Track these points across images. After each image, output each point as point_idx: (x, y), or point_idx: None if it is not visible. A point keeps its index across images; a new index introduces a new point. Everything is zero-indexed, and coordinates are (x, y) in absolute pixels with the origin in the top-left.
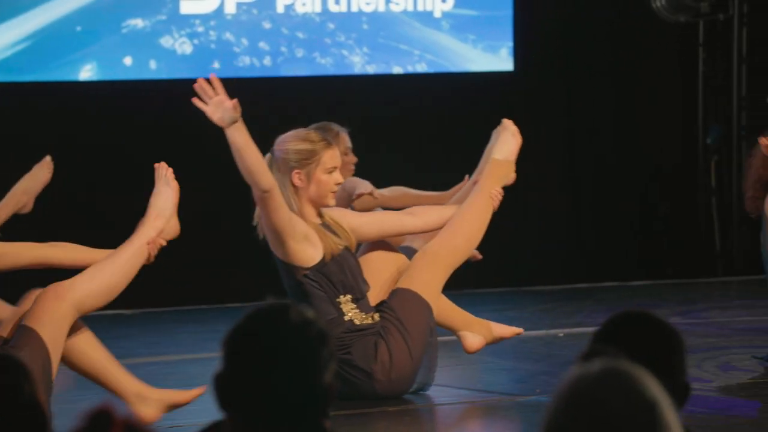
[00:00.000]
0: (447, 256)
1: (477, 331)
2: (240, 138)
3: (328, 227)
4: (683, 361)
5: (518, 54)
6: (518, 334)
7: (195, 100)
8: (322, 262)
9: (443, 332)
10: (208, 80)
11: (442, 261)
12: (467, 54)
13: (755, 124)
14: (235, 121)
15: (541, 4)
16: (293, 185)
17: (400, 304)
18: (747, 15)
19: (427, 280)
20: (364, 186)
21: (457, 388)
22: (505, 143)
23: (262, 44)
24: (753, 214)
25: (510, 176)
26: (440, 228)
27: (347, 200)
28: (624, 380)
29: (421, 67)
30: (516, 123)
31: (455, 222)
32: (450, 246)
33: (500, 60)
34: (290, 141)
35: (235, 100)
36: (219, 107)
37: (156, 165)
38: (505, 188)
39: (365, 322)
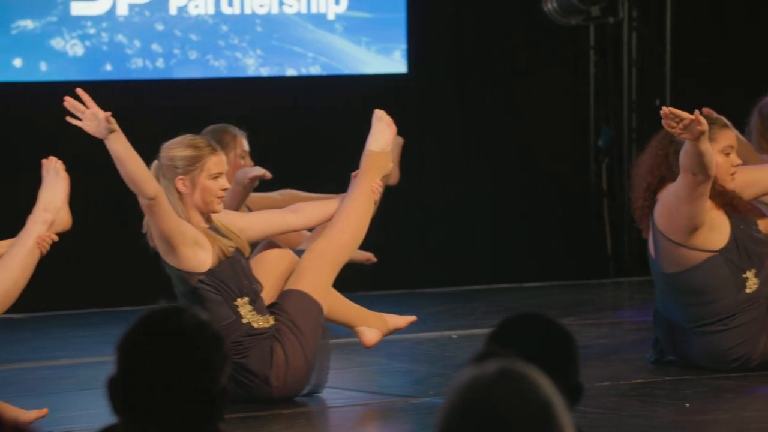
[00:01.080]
0: (333, 254)
1: (373, 325)
2: (119, 147)
3: (216, 230)
4: (576, 361)
5: (412, 56)
6: (412, 322)
7: (69, 118)
8: (216, 266)
9: (336, 334)
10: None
11: (329, 259)
12: (361, 56)
13: (645, 127)
14: (112, 131)
15: (434, 6)
16: (178, 191)
17: (292, 305)
18: (637, 19)
19: (315, 279)
20: (255, 170)
21: (351, 390)
22: (380, 134)
23: (154, 46)
24: (641, 223)
25: (387, 167)
26: (325, 222)
27: (243, 193)
28: (517, 381)
29: (315, 70)
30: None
31: (338, 218)
32: (335, 243)
33: (394, 62)
34: (175, 147)
35: (108, 112)
36: (93, 120)
37: (44, 160)
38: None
39: (261, 325)
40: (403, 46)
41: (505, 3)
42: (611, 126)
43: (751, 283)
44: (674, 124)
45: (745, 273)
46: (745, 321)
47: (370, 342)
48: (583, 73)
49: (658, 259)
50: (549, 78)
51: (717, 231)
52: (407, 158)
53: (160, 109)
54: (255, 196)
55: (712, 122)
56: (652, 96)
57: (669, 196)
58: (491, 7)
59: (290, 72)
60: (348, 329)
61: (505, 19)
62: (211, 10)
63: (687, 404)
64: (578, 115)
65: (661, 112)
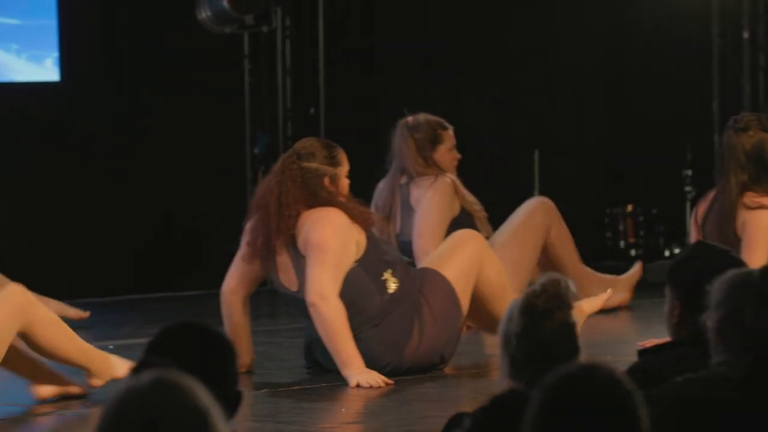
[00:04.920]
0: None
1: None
2: None
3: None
4: (234, 370)
5: (64, 64)
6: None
7: None
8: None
9: None
10: None
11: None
12: (11, 64)
13: (301, 134)
14: None
15: (87, 13)
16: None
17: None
18: (290, 27)
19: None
20: None
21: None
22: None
23: None
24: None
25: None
26: None
27: None
28: (174, 391)
29: None
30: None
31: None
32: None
33: (46, 70)
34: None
35: None
36: None
37: None
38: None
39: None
40: (55, 53)
41: (159, 10)
42: (267, 133)
43: (391, 284)
44: None
45: (383, 275)
46: (393, 322)
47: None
48: (238, 81)
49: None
50: (204, 86)
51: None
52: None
53: None
54: None
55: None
56: (307, 104)
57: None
58: (146, 14)
59: None
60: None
61: (160, 27)
62: None
63: (343, 409)
64: (234, 122)
65: None
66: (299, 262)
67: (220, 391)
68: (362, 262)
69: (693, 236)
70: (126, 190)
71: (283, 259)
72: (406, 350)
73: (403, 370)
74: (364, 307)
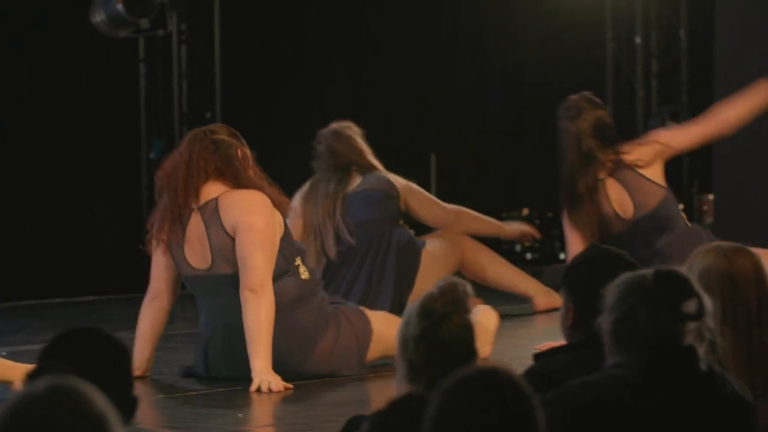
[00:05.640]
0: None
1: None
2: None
3: None
4: (130, 374)
5: None
6: None
7: None
8: None
9: None
10: None
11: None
12: None
13: None
14: None
15: None
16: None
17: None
18: (186, 32)
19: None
20: None
21: None
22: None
23: None
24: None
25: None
26: None
27: None
28: (70, 397)
29: None
30: None
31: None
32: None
33: None
34: None
35: None
36: None
37: None
38: None
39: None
40: None
41: (52, 13)
42: (163, 138)
43: (303, 270)
44: None
45: (296, 261)
46: (306, 316)
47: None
48: (133, 85)
49: None
50: (99, 90)
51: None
52: None
53: None
54: None
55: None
56: (203, 108)
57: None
58: (34, 19)
59: None
60: None
61: (52, 30)
62: None
63: (240, 414)
64: (129, 127)
65: None
66: (218, 239)
67: (116, 397)
68: (280, 245)
69: (568, 238)
70: (21, 195)
71: (194, 233)
72: (317, 351)
73: (311, 371)
74: (279, 289)
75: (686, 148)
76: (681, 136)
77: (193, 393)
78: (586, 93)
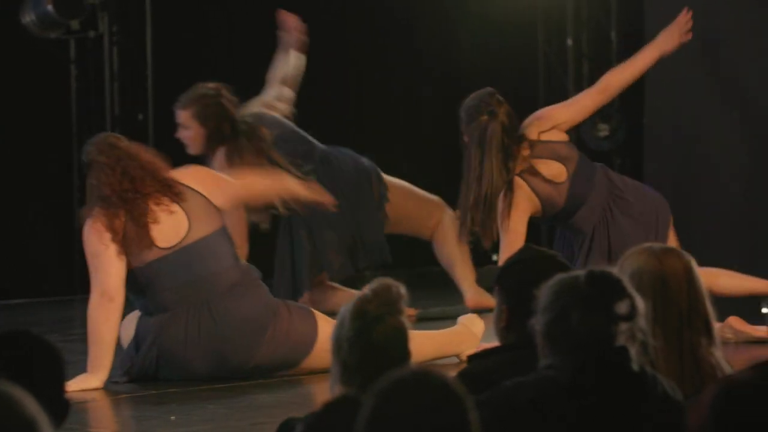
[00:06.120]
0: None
1: None
2: None
3: None
4: (62, 377)
5: None
6: None
7: None
8: None
9: None
10: None
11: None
12: None
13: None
14: None
15: None
16: None
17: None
18: (117, 33)
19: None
20: None
21: None
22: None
23: None
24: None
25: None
26: None
27: None
28: (1, 401)
29: None
30: None
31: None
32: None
33: None
34: None
35: None
36: None
37: None
38: None
39: None
40: None
41: None
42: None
43: (240, 256)
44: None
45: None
46: (251, 306)
47: None
48: (64, 87)
49: None
50: (30, 91)
51: None
52: None
53: None
54: None
55: None
56: (135, 110)
57: None
58: None
59: None
60: None
61: None
62: None
63: (173, 417)
64: (60, 129)
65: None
66: (188, 210)
67: (47, 401)
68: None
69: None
70: None
71: (158, 215)
72: (262, 346)
73: (250, 366)
74: (219, 269)
75: (579, 120)
76: (572, 109)
77: (124, 396)
78: (489, 89)
